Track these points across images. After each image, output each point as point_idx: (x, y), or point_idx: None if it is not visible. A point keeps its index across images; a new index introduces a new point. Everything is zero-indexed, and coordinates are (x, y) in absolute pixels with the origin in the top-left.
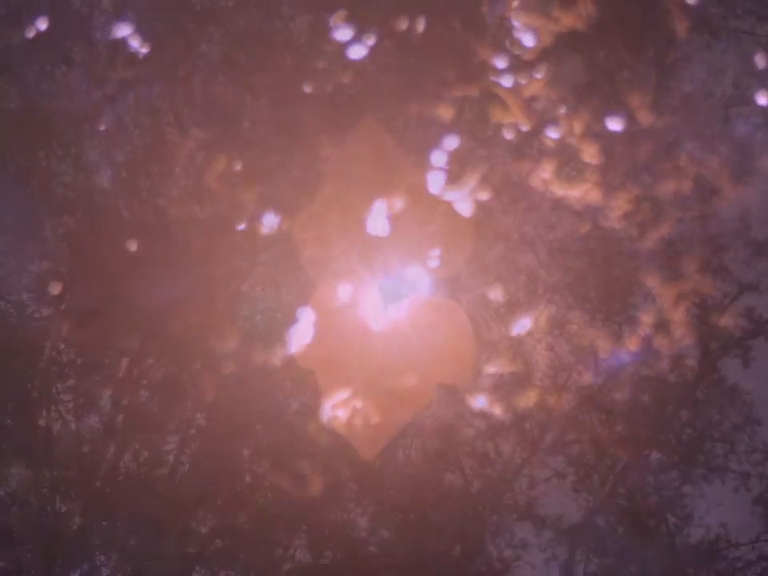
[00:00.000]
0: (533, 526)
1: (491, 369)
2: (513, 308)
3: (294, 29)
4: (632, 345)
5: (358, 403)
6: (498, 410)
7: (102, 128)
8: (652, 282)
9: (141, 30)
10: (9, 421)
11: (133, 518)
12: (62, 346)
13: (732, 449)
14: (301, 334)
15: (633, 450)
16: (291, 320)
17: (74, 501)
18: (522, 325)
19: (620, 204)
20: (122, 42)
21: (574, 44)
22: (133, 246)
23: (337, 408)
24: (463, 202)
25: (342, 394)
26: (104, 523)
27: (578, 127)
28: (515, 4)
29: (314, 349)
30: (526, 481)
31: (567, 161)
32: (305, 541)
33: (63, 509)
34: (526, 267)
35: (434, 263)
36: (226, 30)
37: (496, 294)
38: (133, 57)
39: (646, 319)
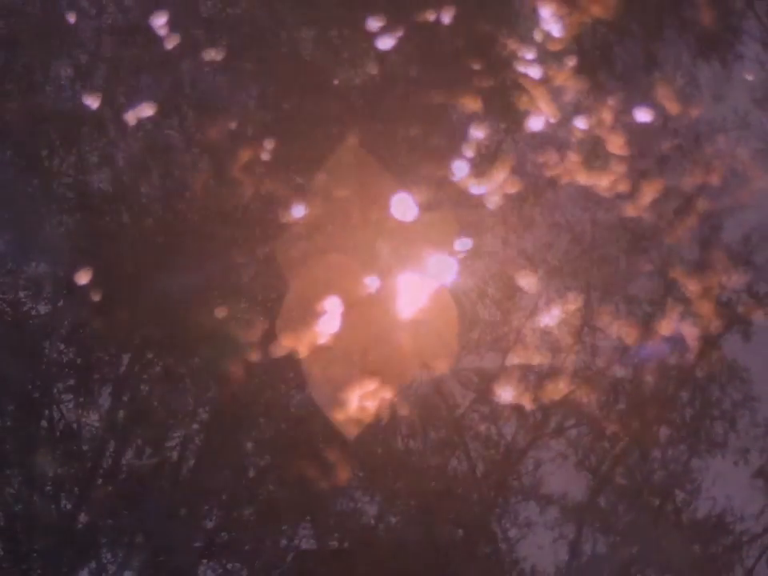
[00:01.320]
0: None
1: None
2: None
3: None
4: (635, 328)
5: (354, 390)
6: (500, 394)
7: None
8: (674, 273)
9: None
10: (10, 422)
11: (139, 514)
12: (62, 346)
13: (733, 425)
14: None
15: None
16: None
17: (80, 499)
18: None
19: (645, 195)
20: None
21: (600, 35)
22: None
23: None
24: (490, 191)
25: (338, 381)
26: (109, 521)
27: (605, 118)
28: None
29: (295, 329)
30: (532, 462)
31: (594, 151)
32: (310, 531)
33: (69, 507)
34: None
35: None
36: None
37: (524, 282)
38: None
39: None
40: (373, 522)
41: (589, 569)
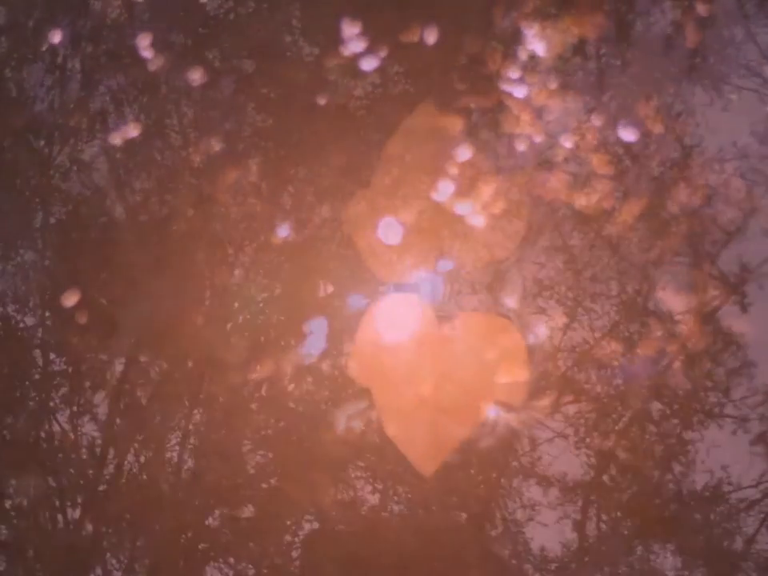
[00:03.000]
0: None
1: None
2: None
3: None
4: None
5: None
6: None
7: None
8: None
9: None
10: (9, 435)
11: (141, 519)
12: (53, 356)
13: (728, 394)
14: (315, 345)
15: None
16: (303, 330)
17: (82, 508)
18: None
19: (631, 213)
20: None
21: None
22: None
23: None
24: (474, 213)
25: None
26: (110, 529)
27: (590, 137)
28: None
29: (365, 365)
30: (533, 442)
31: (579, 171)
32: (313, 525)
33: (71, 517)
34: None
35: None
36: (237, 39)
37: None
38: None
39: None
40: (375, 510)
41: (594, 544)
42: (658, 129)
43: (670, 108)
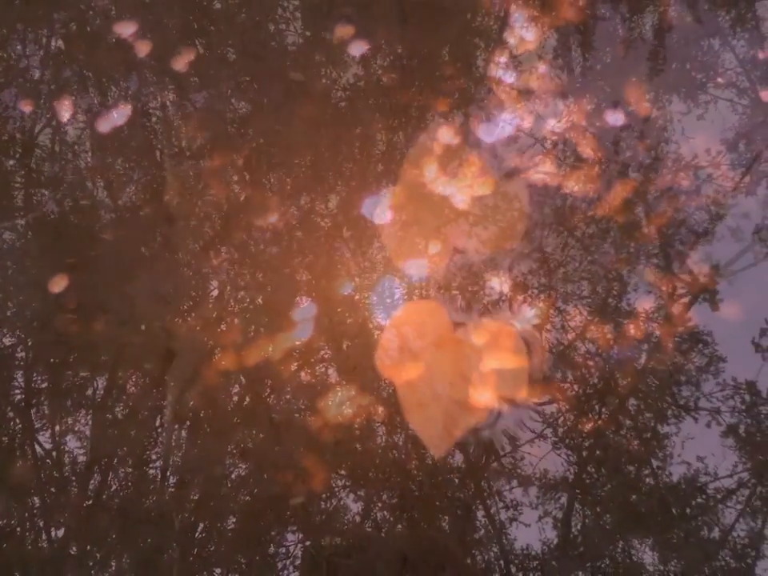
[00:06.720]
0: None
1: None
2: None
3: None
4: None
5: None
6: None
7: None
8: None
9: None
10: None
11: (126, 535)
12: (34, 375)
13: (699, 388)
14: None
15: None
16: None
17: (66, 526)
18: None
19: (617, 196)
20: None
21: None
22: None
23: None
24: (460, 196)
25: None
26: (95, 547)
27: (576, 120)
28: None
29: (390, 364)
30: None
31: (565, 154)
32: (298, 535)
33: (56, 535)
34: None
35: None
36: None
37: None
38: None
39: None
40: (358, 518)
41: (576, 541)
42: (632, 131)
43: (646, 112)
